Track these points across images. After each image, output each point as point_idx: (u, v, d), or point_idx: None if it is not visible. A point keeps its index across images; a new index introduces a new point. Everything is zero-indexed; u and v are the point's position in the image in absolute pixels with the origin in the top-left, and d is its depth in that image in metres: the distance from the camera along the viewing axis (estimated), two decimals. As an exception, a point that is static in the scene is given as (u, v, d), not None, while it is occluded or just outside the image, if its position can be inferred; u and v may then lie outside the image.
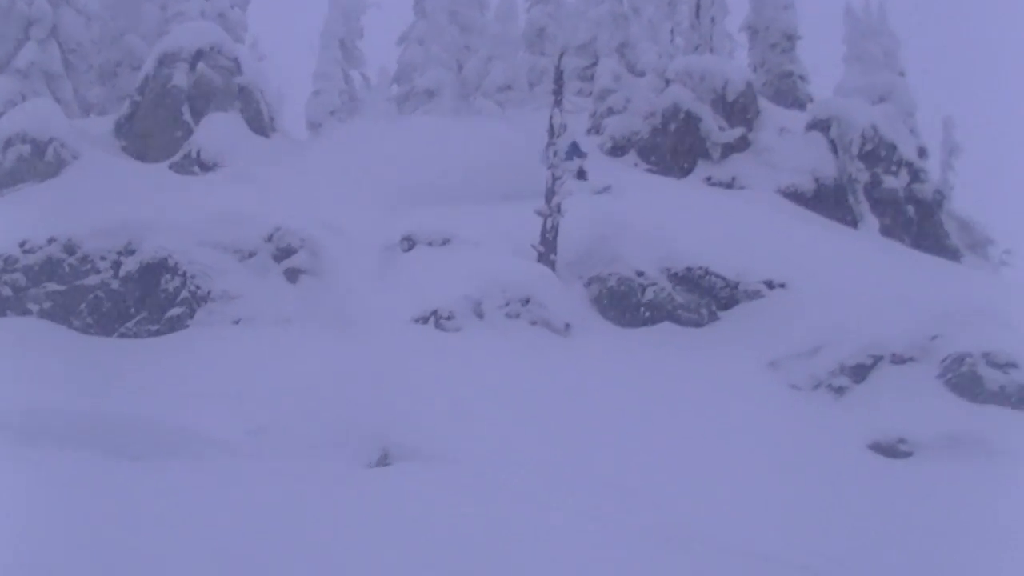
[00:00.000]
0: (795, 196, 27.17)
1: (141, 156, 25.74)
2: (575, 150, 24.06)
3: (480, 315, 20.49)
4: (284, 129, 29.97)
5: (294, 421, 16.36)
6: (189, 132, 25.92)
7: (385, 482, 13.83)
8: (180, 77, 26.35)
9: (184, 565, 9.58)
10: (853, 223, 27.26)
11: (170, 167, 25.31)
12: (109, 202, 22.35)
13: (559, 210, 22.17)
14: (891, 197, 28.69)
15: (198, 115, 26.17)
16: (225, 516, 11.04)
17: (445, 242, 21.89)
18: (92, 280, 21.48)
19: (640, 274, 21.95)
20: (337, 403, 16.81)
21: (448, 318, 20.15)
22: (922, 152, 31.24)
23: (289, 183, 23.51)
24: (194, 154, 25.22)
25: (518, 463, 14.95)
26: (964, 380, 18.64)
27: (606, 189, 24.63)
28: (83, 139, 25.18)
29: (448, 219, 22.34)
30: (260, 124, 27.25)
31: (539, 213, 22.20)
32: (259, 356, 18.92)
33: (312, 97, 36.72)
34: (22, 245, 21.64)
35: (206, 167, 24.94)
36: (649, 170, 26.72)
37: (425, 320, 20.11)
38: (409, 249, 21.80)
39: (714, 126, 28.10)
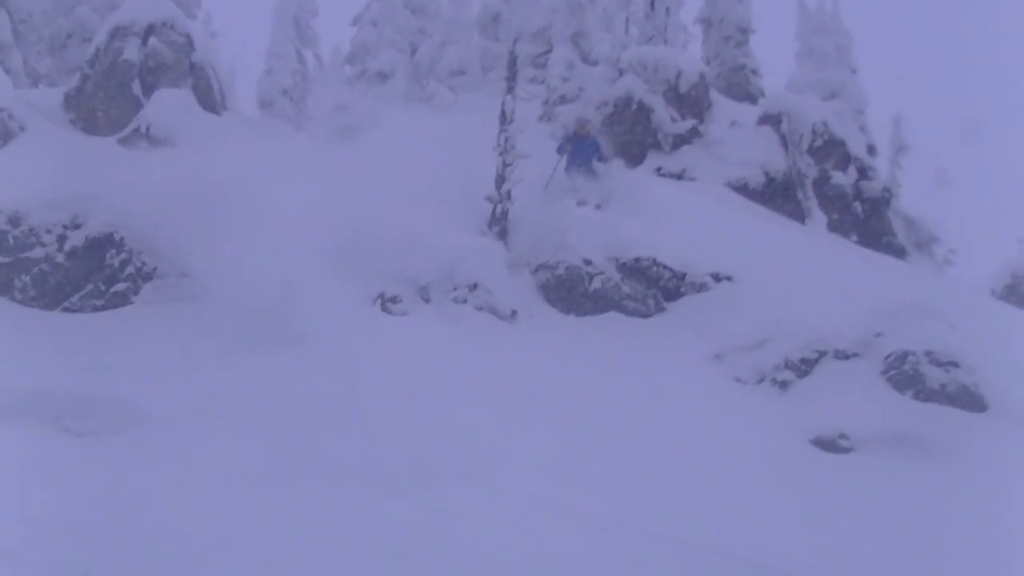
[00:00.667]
0: (744, 190, 27.27)
1: (90, 130, 25.40)
2: (596, 149, 24.90)
3: (427, 300, 20.50)
4: (236, 107, 29.70)
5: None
6: (139, 107, 25.59)
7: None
8: (131, 51, 25.99)
9: (132, 541, 9.57)
10: (801, 218, 27.41)
11: (119, 142, 24.98)
12: (56, 175, 22.09)
13: (509, 197, 22.20)
14: (839, 193, 28.90)
15: (149, 90, 25.83)
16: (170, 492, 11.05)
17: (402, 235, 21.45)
18: (37, 253, 21.26)
19: (588, 263, 21.95)
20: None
21: (394, 301, 20.16)
22: (871, 149, 31.52)
23: (240, 161, 23.30)
24: (144, 129, 24.90)
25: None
26: (906, 377, 18.82)
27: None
28: (31, 110, 24.82)
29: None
30: (211, 101, 26.97)
31: (489, 200, 22.23)
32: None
33: (264, 76, 36.41)
34: (-34, 216, 21.39)
35: (156, 143, 24.64)
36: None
37: (372, 302, 20.10)
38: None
39: (666, 117, 28.14)
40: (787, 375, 19.26)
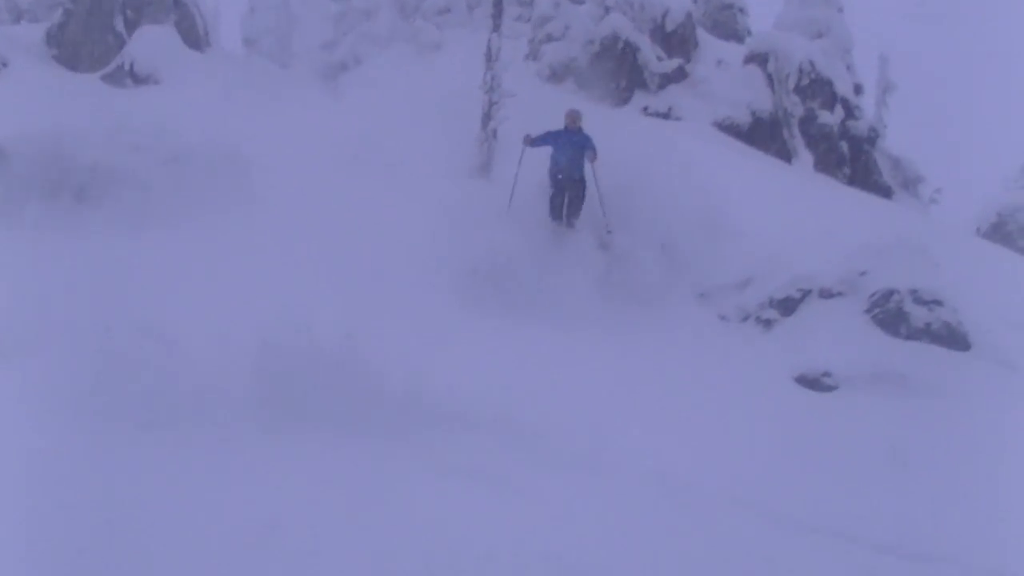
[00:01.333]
0: (731, 129, 27.26)
1: (73, 66, 25.31)
2: (587, 146, 20.26)
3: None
4: (219, 44, 29.52)
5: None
6: (122, 44, 25.48)
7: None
8: (114, -13, 25.87)
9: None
10: (787, 158, 27.44)
11: (102, 78, 24.90)
12: (38, 110, 21.93)
13: (495, 136, 22.14)
14: (826, 133, 28.92)
15: (132, 27, 25.72)
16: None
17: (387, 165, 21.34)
18: (18, 189, 21.10)
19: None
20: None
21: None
22: (858, 89, 31.49)
23: (222, 98, 23.16)
24: (127, 66, 24.82)
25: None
26: (890, 316, 18.85)
27: None
28: (13, 46, 24.70)
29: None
30: (195, 38, 26.86)
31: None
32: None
33: (248, 14, 36.22)
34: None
35: (139, 79, 24.55)
36: (587, 99, 26.56)
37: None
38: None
39: (652, 56, 28.07)
40: (771, 314, 19.28)
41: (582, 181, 20.27)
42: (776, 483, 13.28)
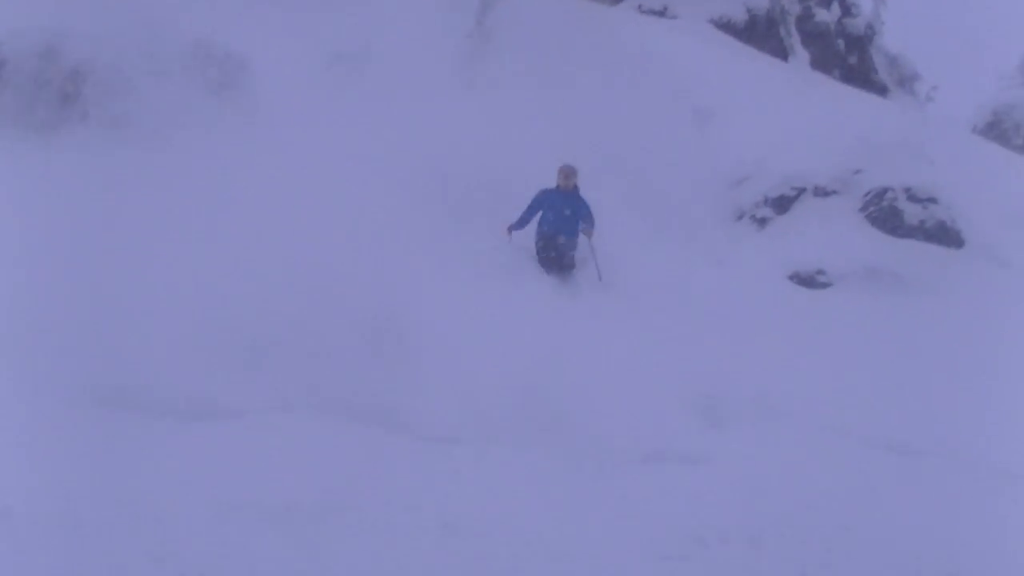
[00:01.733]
0: (727, 27, 27.06)
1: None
2: (583, 211, 16.74)
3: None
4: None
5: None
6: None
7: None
8: None
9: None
10: (784, 56, 27.27)
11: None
12: (28, 5, 21.61)
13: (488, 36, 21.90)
14: (822, 31, 28.73)
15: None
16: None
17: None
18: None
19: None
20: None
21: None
22: (855, -14, 31.23)
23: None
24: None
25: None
26: (884, 214, 18.89)
27: None
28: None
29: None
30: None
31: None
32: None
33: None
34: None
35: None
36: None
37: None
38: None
39: (647, -49, 27.80)
40: (766, 212, 19.28)
41: (572, 244, 16.67)
42: (775, 379, 13.48)
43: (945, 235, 18.70)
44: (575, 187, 16.67)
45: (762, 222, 19.18)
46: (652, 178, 19.64)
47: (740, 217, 19.39)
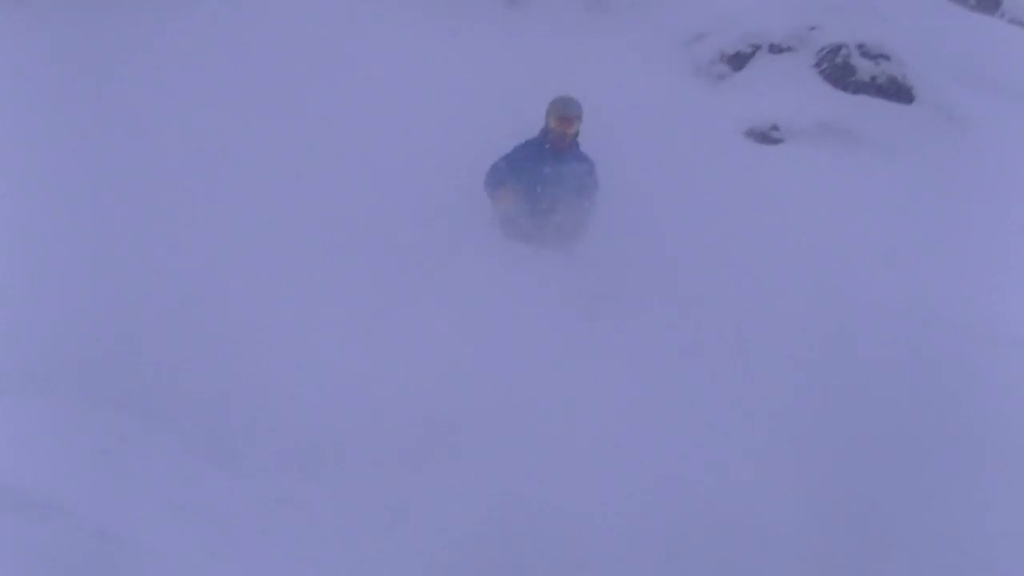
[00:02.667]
0: None
1: None
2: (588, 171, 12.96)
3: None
4: None
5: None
6: None
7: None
8: None
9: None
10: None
11: None
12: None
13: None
14: None
15: None
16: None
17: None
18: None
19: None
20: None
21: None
22: None
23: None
24: None
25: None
26: (838, 70, 19.06)
27: None
28: None
29: None
30: None
31: None
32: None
33: None
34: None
35: None
36: None
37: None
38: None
39: None
40: (722, 69, 19.38)
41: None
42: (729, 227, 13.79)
43: (896, 90, 18.90)
44: (576, 140, 12.22)
45: (719, 78, 19.29)
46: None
47: (696, 74, 19.48)
